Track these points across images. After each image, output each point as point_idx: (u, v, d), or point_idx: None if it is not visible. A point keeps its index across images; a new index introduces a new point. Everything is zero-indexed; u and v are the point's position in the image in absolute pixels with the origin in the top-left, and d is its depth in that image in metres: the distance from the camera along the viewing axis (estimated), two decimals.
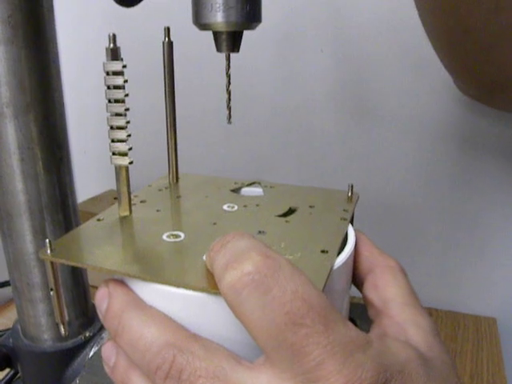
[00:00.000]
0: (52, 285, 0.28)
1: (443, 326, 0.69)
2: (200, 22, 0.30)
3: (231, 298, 0.22)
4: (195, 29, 0.32)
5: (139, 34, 0.71)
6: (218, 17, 0.29)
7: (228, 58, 0.32)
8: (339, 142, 0.70)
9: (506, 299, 0.71)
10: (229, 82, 0.32)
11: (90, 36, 0.78)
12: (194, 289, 0.24)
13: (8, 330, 0.50)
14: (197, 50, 0.64)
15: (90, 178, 0.81)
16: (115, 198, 0.81)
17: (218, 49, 0.31)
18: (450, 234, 0.70)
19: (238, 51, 0.31)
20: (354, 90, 0.67)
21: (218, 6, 0.29)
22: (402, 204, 0.71)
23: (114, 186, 0.83)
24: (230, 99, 0.33)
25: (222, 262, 0.23)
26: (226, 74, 0.32)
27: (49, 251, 0.27)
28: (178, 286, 0.25)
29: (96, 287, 0.44)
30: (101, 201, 0.77)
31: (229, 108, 0.33)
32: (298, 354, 0.21)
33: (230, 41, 0.31)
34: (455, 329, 0.68)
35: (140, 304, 0.26)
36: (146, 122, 0.66)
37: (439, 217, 0.70)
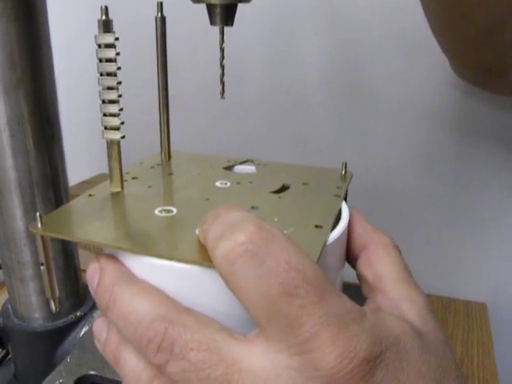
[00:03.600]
0: (42, 259, 0.28)
1: (434, 311, 0.69)
2: None
3: (224, 268, 0.22)
4: (189, 3, 0.31)
5: (131, 8, 0.70)
6: None
7: (222, 32, 0.31)
8: (333, 125, 0.70)
9: (496, 284, 0.72)
10: (222, 57, 0.32)
11: (82, 11, 0.77)
12: (187, 261, 0.24)
13: None
14: (190, 25, 0.64)
15: (81, 161, 0.80)
16: None
17: (212, 22, 0.31)
18: (441, 219, 0.70)
19: (232, 25, 0.31)
20: (349, 73, 0.67)
21: None
22: (394, 188, 0.71)
23: (105, 170, 0.82)
24: (223, 74, 0.32)
25: (215, 234, 0.23)
26: (220, 47, 0.31)
27: (39, 225, 0.27)
28: (169, 259, 0.24)
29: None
30: (92, 184, 0.76)
31: (222, 83, 0.32)
32: (292, 325, 0.20)
33: (224, 14, 0.30)
34: (446, 314, 0.69)
35: (131, 278, 0.25)
36: (138, 100, 0.66)
37: (431, 202, 0.70)
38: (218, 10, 0.30)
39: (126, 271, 0.26)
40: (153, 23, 0.36)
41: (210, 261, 0.23)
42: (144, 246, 0.25)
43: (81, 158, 0.82)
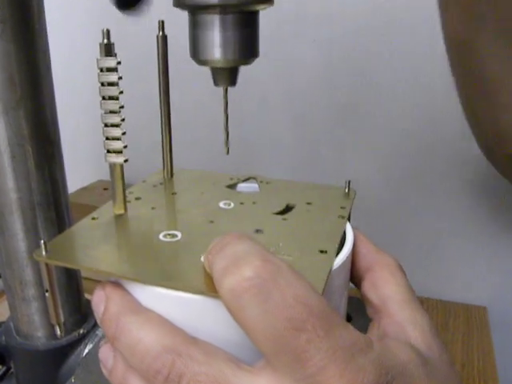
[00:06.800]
0: (47, 286, 0.28)
1: (434, 316, 0.69)
2: (198, 57, 0.30)
3: (231, 303, 0.22)
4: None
5: (132, 27, 0.70)
6: (216, 53, 0.29)
7: (226, 93, 0.31)
8: (330, 134, 0.70)
9: (496, 288, 0.72)
10: (226, 117, 0.32)
11: (81, 28, 0.77)
12: (193, 292, 0.24)
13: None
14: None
15: (78, 168, 0.80)
16: (105, 189, 0.80)
17: (216, 83, 0.31)
18: (440, 223, 0.71)
19: (235, 85, 0.31)
20: (347, 83, 0.67)
21: (216, 43, 0.29)
22: (392, 193, 0.71)
23: (102, 177, 0.82)
24: (227, 134, 0.32)
25: (220, 266, 0.23)
26: (224, 109, 0.31)
27: (44, 252, 0.27)
28: (176, 288, 0.24)
29: (89, 279, 0.44)
30: (90, 191, 0.76)
31: (227, 137, 0.33)
32: (300, 360, 0.21)
33: (227, 76, 0.30)
34: (446, 318, 0.69)
35: (137, 307, 0.25)
36: (139, 117, 0.66)
37: (430, 206, 0.70)
38: (221, 73, 0.30)
39: (132, 300, 0.26)
40: (154, 40, 0.36)
41: (217, 290, 0.23)
42: (150, 274, 0.25)
43: (79, 164, 0.81)
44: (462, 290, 0.73)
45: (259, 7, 0.29)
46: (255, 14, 0.29)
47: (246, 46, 0.29)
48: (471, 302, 0.72)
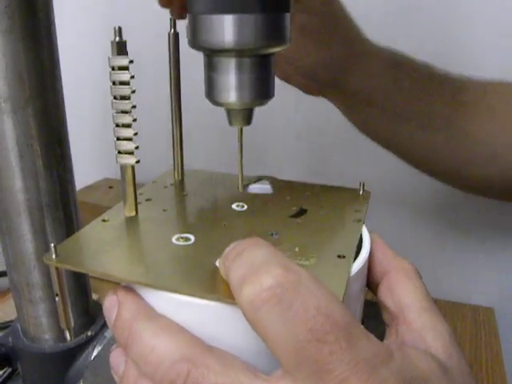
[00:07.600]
0: (57, 290, 0.27)
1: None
2: (214, 99, 0.30)
3: (250, 313, 0.21)
4: None
5: (143, 24, 0.69)
6: (232, 96, 0.29)
7: (241, 132, 0.31)
8: (342, 136, 0.69)
9: (503, 289, 0.72)
10: (241, 157, 0.32)
11: (92, 27, 0.76)
12: (209, 298, 0.23)
13: (5, 323, 0.49)
14: None
15: (85, 166, 0.80)
16: (110, 187, 0.79)
17: (231, 123, 0.31)
18: (448, 225, 0.70)
19: (249, 124, 0.31)
20: None
21: (231, 86, 0.29)
22: (400, 195, 0.70)
23: (108, 174, 0.81)
24: (242, 172, 0.33)
25: (238, 274, 0.22)
26: (240, 150, 0.31)
27: (54, 256, 0.26)
28: (191, 294, 0.24)
29: (96, 278, 0.43)
30: (96, 189, 0.75)
31: (241, 175, 0.33)
32: (321, 371, 0.20)
33: (243, 116, 0.30)
34: (453, 319, 0.68)
35: (151, 313, 0.25)
36: (148, 116, 0.65)
37: (437, 208, 0.69)
38: (237, 113, 0.30)
39: (145, 306, 0.25)
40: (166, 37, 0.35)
41: (233, 297, 0.22)
42: (164, 280, 0.25)
43: (85, 162, 0.81)
44: (469, 291, 0.72)
45: (274, 50, 0.29)
46: (270, 56, 0.29)
47: (262, 87, 0.29)
48: (479, 303, 0.71)
